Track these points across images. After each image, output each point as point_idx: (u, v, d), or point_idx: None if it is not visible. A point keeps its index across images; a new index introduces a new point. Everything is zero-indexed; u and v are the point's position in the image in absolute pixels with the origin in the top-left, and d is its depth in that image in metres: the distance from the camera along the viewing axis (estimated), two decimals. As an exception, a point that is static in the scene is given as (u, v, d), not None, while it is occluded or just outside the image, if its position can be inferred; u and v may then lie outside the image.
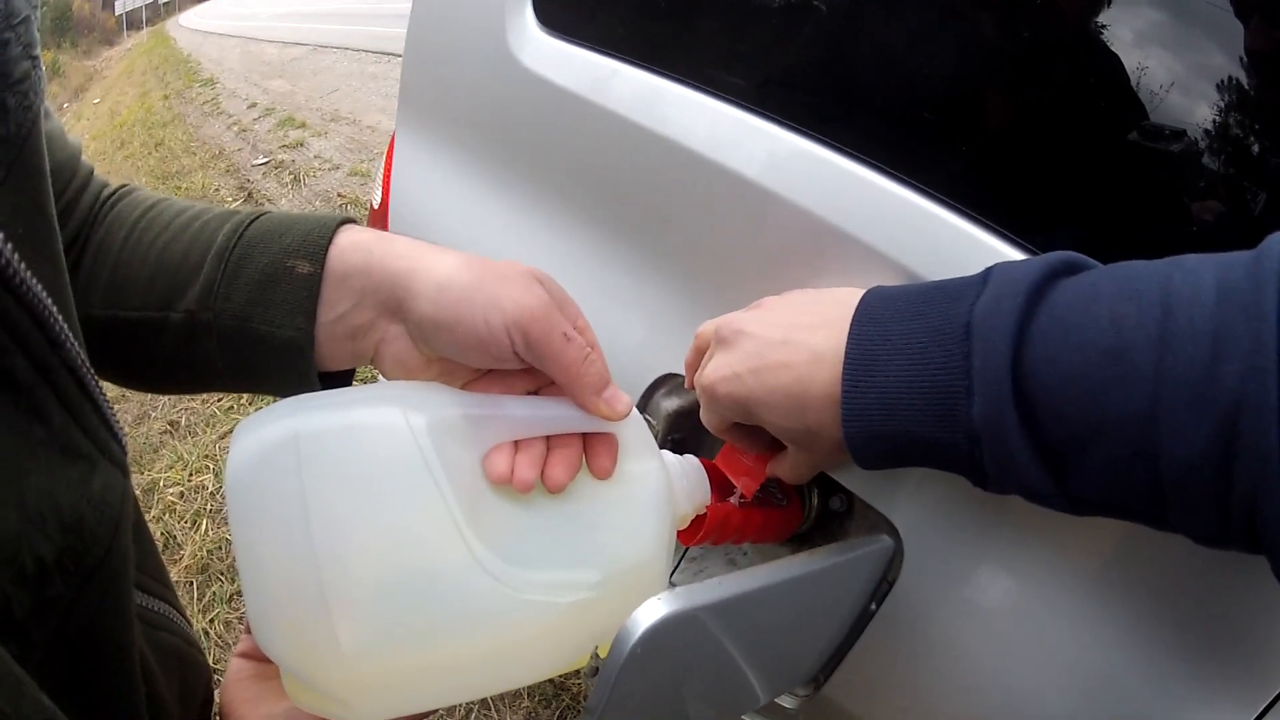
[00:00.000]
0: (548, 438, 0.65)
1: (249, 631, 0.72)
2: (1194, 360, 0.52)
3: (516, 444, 0.63)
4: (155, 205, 0.76)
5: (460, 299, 0.63)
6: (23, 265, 0.44)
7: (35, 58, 0.50)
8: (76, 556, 0.46)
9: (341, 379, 0.72)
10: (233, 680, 0.69)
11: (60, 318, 0.47)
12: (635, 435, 0.69)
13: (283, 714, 0.65)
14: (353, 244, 0.68)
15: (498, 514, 0.62)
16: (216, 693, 0.71)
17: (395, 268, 0.66)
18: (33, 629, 0.43)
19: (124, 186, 0.79)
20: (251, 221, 0.71)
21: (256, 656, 0.70)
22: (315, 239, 0.68)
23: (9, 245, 0.43)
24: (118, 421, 0.53)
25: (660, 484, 0.69)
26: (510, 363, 0.64)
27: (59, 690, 0.42)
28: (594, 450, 0.66)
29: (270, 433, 0.59)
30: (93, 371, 0.51)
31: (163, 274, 0.70)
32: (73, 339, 0.48)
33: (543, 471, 0.63)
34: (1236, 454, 0.51)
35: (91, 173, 0.77)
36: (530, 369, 0.66)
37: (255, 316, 0.67)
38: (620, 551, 0.66)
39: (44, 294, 0.45)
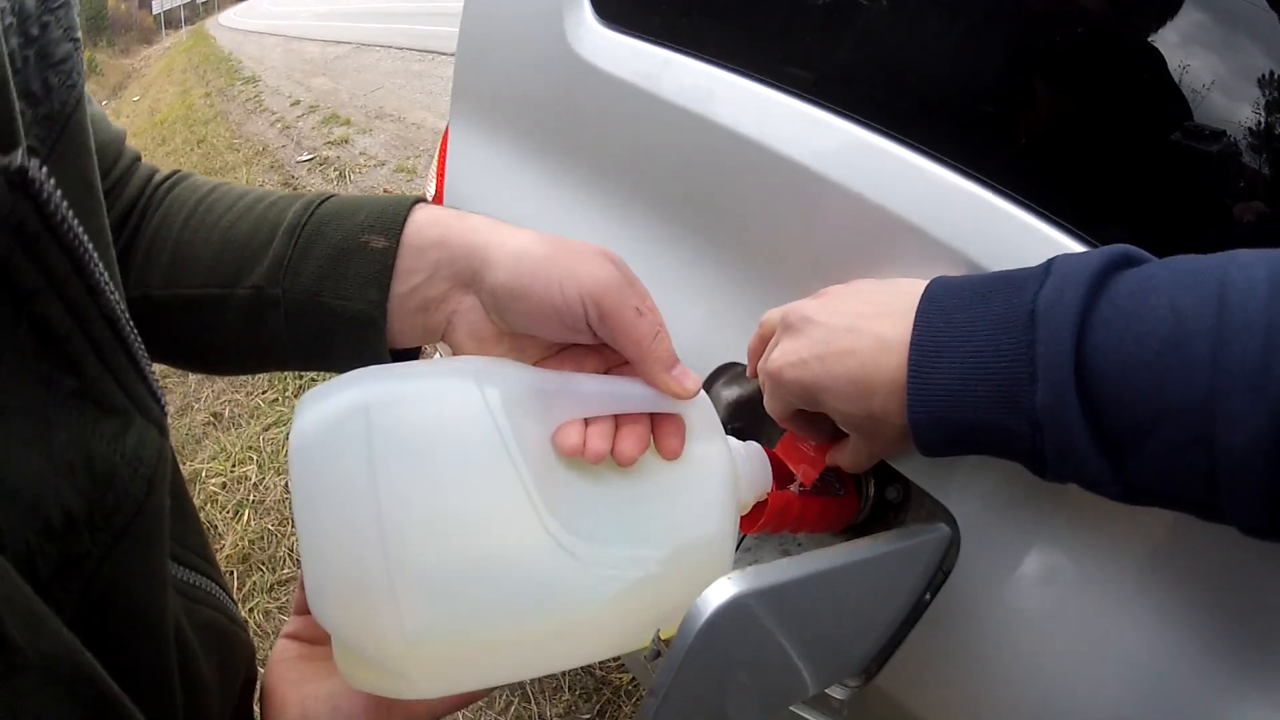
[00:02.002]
0: (615, 417, 0.65)
1: (296, 613, 0.73)
2: (1248, 351, 0.53)
3: (585, 421, 0.64)
4: (216, 189, 0.77)
5: (536, 269, 0.64)
6: (65, 205, 0.43)
7: (76, 40, 0.50)
8: (107, 512, 0.46)
9: (408, 357, 0.72)
10: (278, 661, 0.70)
11: (100, 264, 0.46)
12: (702, 417, 0.69)
13: (326, 696, 0.65)
14: (430, 219, 0.69)
15: (568, 489, 0.62)
16: (260, 673, 0.71)
17: (473, 240, 0.67)
18: (58, 588, 0.43)
19: (178, 172, 0.80)
20: (323, 201, 0.72)
21: (303, 637, 0.71)
22: (390, 215, 0.69)
23: (52, 182, 0.42)
24: (157, 380, 0.53)
25: (726, 467, 0.69)
26: (582, 335, 0.65)
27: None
28: (662, 430, 0.66)
29: (340, 401, 0.59)
30: (133, 326, 0.51)
31: (228, 252, 0.71)
32: (112, 289, 0.48)
33: (613, 446, 0.63)
34: None
35: (138, 158, 0.78)
36: (600, 348, 0.67)
37: (326, 290, 0.68)
38: (687, 531, 0.66)
39: (85, 237, 0.45)
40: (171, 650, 0.53)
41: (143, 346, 0.51)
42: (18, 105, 0.41)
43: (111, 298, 0.47)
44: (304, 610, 0.72)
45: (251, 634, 0.74)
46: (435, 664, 0.60)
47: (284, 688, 0.67)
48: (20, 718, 0.37)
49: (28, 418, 0.42)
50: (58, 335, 0.44)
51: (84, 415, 0.46)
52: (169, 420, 0.53)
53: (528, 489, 0.59)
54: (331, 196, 0.73)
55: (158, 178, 0.78)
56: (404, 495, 0.56)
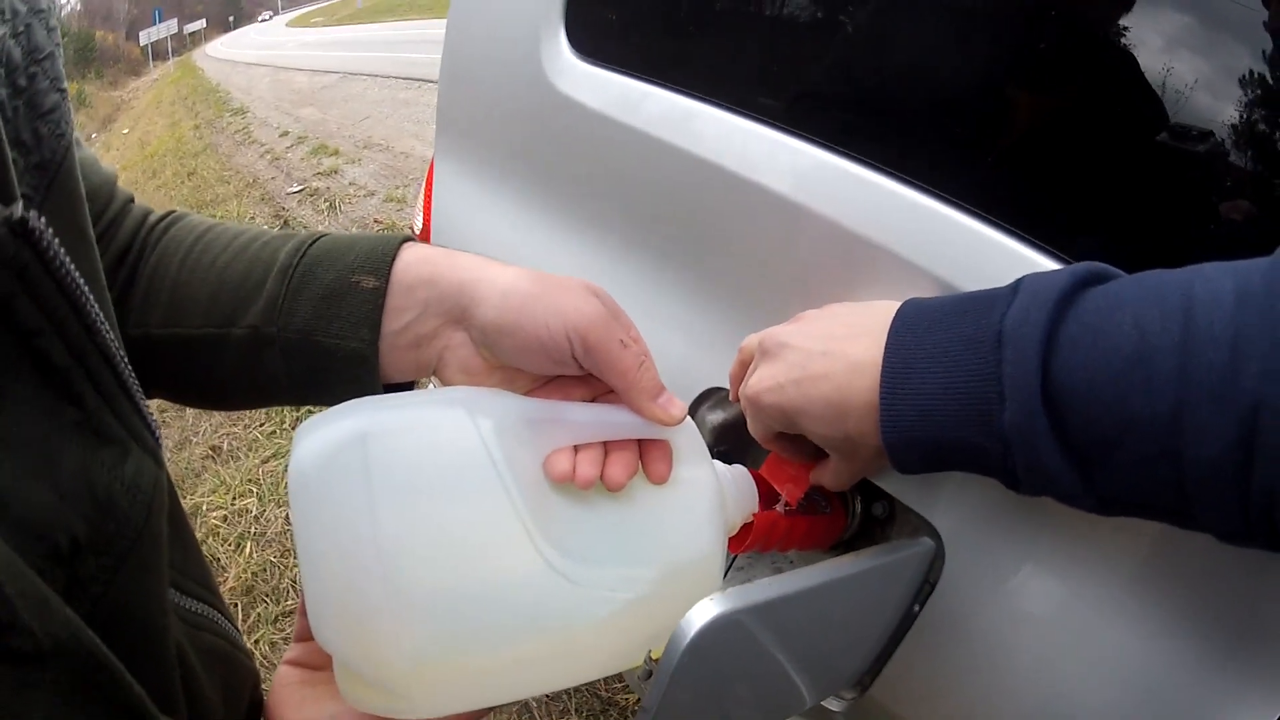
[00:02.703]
0: (604, 443, 0.66)
1: (298, 640, 0.74)
2: (1214, 363, 0.54)
3: (575, 448, 0.65)
4: (211, 229, 0.79)
5: (523, 305, 0.65)
6: (63, 251, 0.46)
7: (63, 90, 0.52)
8: (109, 538, 0.48)
9: (402, 391, 0.74)
10: (279, 685, 0.71)
11: (96, 305, 0.49)
12: (688, 442, 0.70)
13: None
14: (419, 258, 0.71)
15: (560, 514, 0.64)
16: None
17: (461, 278, 0.69)
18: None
19: (173, 213, 0.81)
20: (314, 242, 0.74)
21: (304, 663, 0.72)
22: (379, 255, 0.71)
23: (50, 230, 0.45)
24: (151, 413, 0.55)
25: (713, 490, 0.71)
26: (569, 367, 0.66)
27: None
28: (650, 455, 0.67)
29: (337, 430, 0.60)
30: (128, 362, 0.53)
31: (224, 292, 0.73)
32: (108, 329, 0.50)
33: (602, 472, 0.65)
34: (1256, 452, 0.53)
35: (131, 200, 0.79)
36: (587, 378, 0.68)
37: (320, 330, 0.70)
38: (677, 552, 0.68)
39: (81, 280, 0.47)
40: (175, 669, 0.54)
41: (137, 381, 0.53)
42: (10, 155, 0.44)
43: (107, 336, 0.49)
44: (305, 637, 0.73)
45: (258, 666, 0.75)
46: (435, 685, 0.61)
47: (285, 711, 0.68)
48: (36, 703, 0.39)
49: (35, 448, 0.44)
50: (59, 370, 0.46)
51: (85, 445, 0.48)
52: (165, 452, 0.55)
53: (520, 514, 0.61)
54: (323, 236, 0.75)
55: (152, 218, 0.80)
56: (401, 522, 0.58)
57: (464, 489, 0.60)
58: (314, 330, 0.70)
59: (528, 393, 0.70)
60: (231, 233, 0.78)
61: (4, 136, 0.43)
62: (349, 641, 0.59)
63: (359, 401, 0.63)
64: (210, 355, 0.73)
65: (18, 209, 0.42)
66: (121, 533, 0.49)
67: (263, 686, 0.72)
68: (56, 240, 0.45)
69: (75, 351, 0.47)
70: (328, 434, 0.60)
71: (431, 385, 0.77)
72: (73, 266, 0.46)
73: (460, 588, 0.59)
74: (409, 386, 0.74)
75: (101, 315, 0.49)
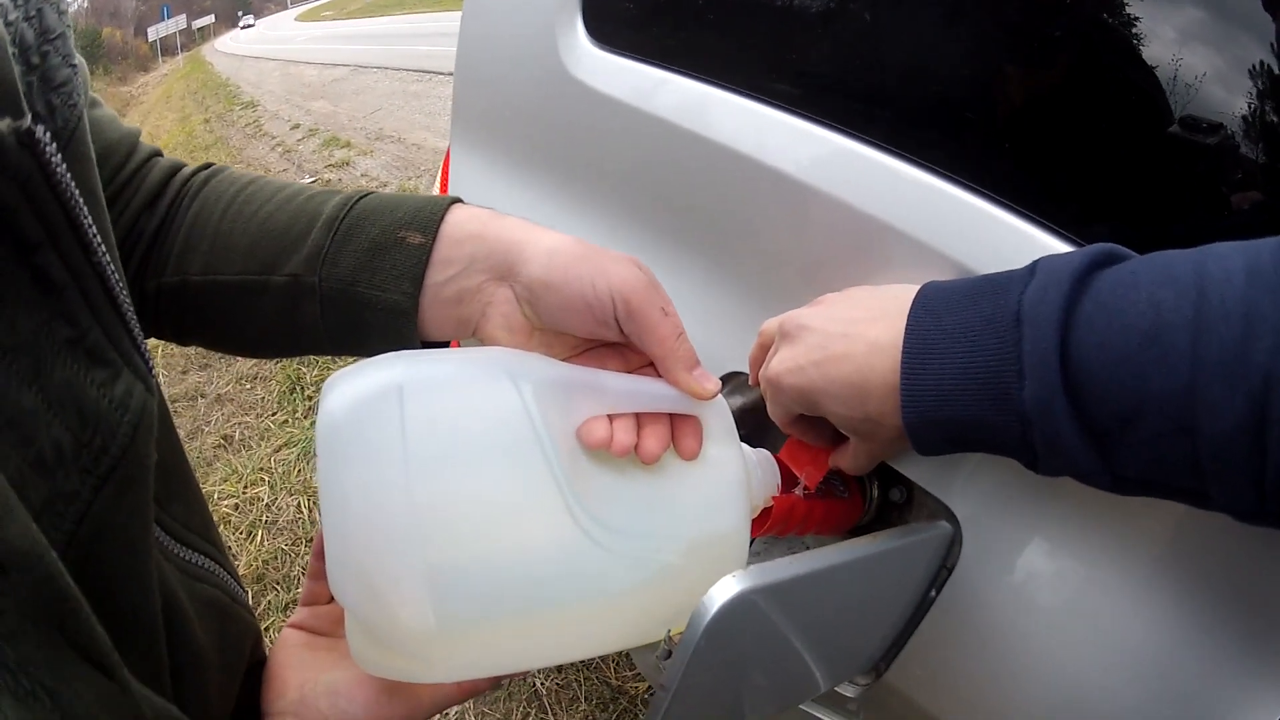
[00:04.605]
0: (637, 416, 0.67)
1: (304, 604, 0.75)
2: (1226, 339, 0.54)
3: (609, 417, 0.65)
4: (254, 181, 0.80)
5: (569, 265, 0.66)
6: (64, 167, 0.46)
7: (74, 65, 0.54)
8: (94, 452, 0.47)
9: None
10: (282, 646, 0.71)
11: (94, 227, 0.49)
12: (718, 421, 0.71)
13: (326, 683, 0.67)
14: (467, 216, 0.72)
15: (593, 481, 0.63)
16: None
17: (509, 237, 0.69)
18: (48, 524, 0.44)
19: (211, 165, 0.82)
20: (361, 197, 0.75)
21: (308, 628, 0.73)
22: (428, 213, 0.71)
23: (54, 145, 0.46)
24: (144, 342, 0.55)
25: (740, 470, 0.71)
26: (609, 330, 0.67)
27: None
28: (681, 431, 0.68)
29: (372, 381, 0.59)
30: (124, 287, 0.53)
31: (265, 241, 0.73)
32: (105, 251, 0.50)
33: (637, 443, 0.65)
34: (1269, 427, 0.53)
35: (158, 153, 0.80)
36: (623, 349, 0.69)
37: (362, 281, 0.71)
38: (705, 527, 0.68)
39: (80, 200, 0.48)
40: (155, 597, 0.54)
41: (132, 308, 0.54)
42: (19, 74, 0.46)
43: (103, 258, 0.50)
44: (312, 601, 0.75)
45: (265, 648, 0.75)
46: (456, 650, 0.60)
47: (285, 672, 0.69)
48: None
49: (27, 357, 0.45)
50: (55, 288, 0.47)
51: (77, 362, 0.48)
52: (156, 379, 0.55)
53: (558, 478, 0.60)
54: (370, 193, 0.76)
55: (188, 170, 0.81)
56: (435, 480, 0.57)
57: (502, 450, 0.60)
58: (356, 281, 0.71)
59: (564, 360, 0.70)
60: (275, 186, 0.79)
61: (15, 62, 0.45)
62: (370, 601, 0.57)
63: (394, 354, 0.63)
64: (248, 302, 0.74)
65: (26, 119, 0.43)
66: (106, 448, 0.48)
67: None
68: (59, 155, 0.46)
69: (71, 269, 0.48)
70: (362, 384, 0.59)
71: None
72: (73, 184, 0.47)
73: (492, 551, 0.59)
74: (446, 345, 0.75)
75: (99, 239, 0.50)
